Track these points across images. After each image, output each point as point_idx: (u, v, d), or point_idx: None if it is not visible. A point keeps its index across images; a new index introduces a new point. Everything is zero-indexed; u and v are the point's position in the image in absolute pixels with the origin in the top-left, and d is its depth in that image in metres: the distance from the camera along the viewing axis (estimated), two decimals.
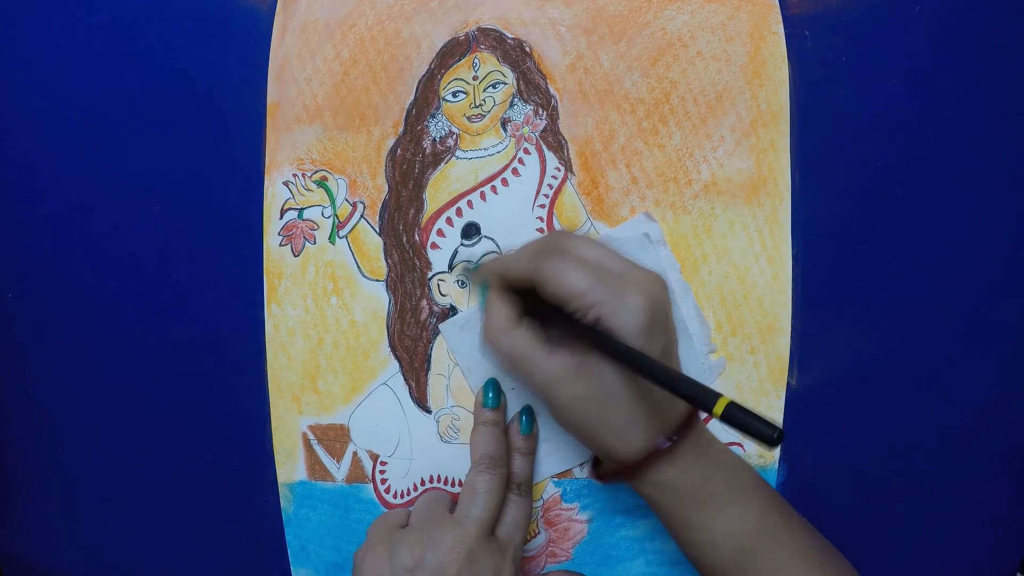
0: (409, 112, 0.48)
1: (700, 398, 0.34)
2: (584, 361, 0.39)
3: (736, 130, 0.47)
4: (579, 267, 0.39)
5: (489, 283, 0.43)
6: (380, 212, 0.49)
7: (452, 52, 0.48)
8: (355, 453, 0.50)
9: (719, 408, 0.33)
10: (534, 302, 0.41)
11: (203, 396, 0.50)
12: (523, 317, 0.42)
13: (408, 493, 0.50)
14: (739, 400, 0.48)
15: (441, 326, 0.48)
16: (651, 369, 0.36)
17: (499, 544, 0.44)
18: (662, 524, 0.43)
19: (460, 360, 0.48)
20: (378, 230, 0.49)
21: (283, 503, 0.51)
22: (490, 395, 0.47)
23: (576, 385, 0.39)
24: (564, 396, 0.39)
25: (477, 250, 0.48)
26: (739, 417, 0.33)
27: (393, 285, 0.49)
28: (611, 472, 0.42)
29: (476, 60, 0.48)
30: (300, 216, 0.49)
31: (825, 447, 0.49)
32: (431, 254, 0.49)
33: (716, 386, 0.48)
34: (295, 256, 0.49)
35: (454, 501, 0.46)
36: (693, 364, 0.48)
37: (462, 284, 0.49)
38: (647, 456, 0.40)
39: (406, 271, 0.49)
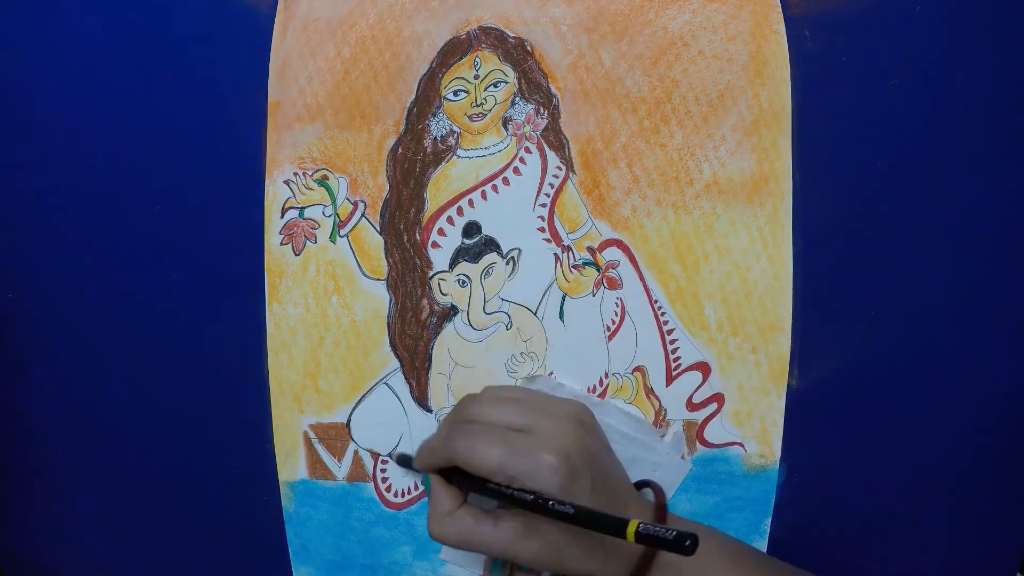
0: (410, 111, 0.48)
1: (612, 527, 0.35)
2: (528, 520, 0.39)
3: (738, 129, 0.47)
4: (487, 439, 0.39)
5: (427, 473, 0.44)
6: (381, 211, 0.49)
7: (453, 51, 0.48)
8: (356, 452, 0.50)
9: (630, 533, 0.34)
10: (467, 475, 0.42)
11: (204, 395, 0.50)
12: (466, 494, 0.43)
13: (409, 492, 0.50)
14: (740, 400, 0.49)
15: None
16: (565, 517, 0.37)
17: None
18: None
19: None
20: (379, 229, 0.49)
21: (284, 502, 0.51)
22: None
23: (530, 544, 0.39)
24: (525, 555, 0.40)
25: (477, 251, 0.48)
26: (651, 536, 0.34)
27: (394, 284, 0.49)
28: None
29: (477, 59, 0.48)
30: (301, 215, 0.49)
31: (825, 447, 0.49)
32: (432, 253, 0.49)
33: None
34: (296, 255, 0.49)
35: None
36: (651, 456, 0.48)
37: (463, 283, 0.49)
38: None
39: (407, 270, 0.49)
